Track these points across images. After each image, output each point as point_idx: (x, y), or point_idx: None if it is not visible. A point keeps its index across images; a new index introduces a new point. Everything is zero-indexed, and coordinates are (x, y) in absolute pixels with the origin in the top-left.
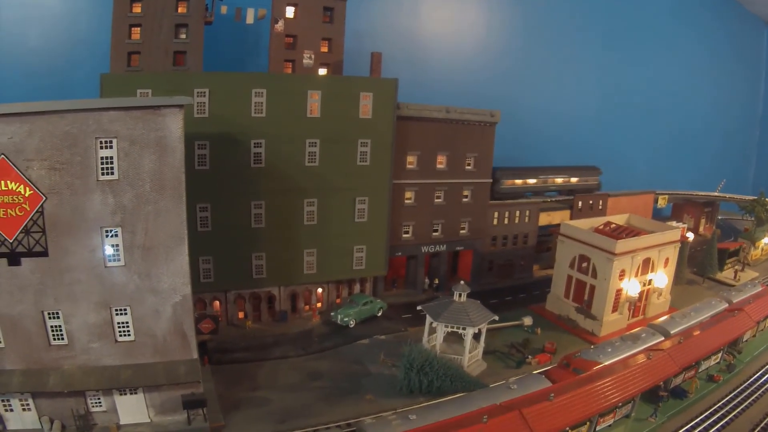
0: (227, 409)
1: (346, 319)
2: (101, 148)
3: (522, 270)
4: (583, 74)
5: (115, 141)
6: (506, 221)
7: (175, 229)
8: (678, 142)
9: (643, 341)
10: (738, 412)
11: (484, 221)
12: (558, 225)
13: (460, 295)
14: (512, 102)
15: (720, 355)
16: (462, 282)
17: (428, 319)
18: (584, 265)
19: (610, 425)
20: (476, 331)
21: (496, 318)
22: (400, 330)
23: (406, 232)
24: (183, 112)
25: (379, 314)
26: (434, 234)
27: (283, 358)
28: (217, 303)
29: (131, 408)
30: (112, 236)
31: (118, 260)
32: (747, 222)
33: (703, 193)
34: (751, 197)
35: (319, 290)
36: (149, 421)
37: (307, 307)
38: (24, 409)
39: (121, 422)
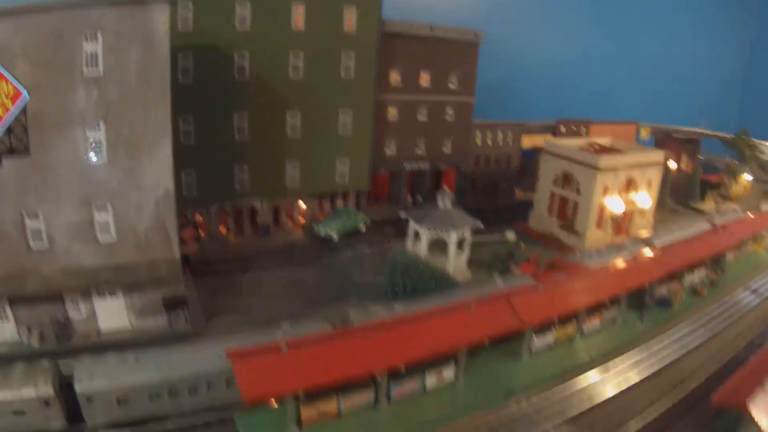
0: (209, 315)
1: (329, 231)
2: (86, 41)
3: (505, 192)
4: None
5: (101, 36)
6: (489, 142)
7: (160, 122)
8: (663, 83)
9: (628, 250)
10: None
11: (467, 141)
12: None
13: (444, 201)
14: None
15: (703, 270)
16: (446, 188)
17: (411, 225)
18: (568, 181)
19: (597, 329)
20: (460, 237)
21: (480, 224)
22: (383, 242)
23: (389, 148)
24: (169, 9)
25: (363, 228)
26: (417, 151)
27: (265, 269)
28: (199, 216)
29: (111, 313)
30: (95, 132)
31: (102, 156)
32: (729, 161)
33: (685, 128)
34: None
35: (302, 205)
36: (129, 326)
37: (289, 221)
38: (1, 319)
39: (101, 328)
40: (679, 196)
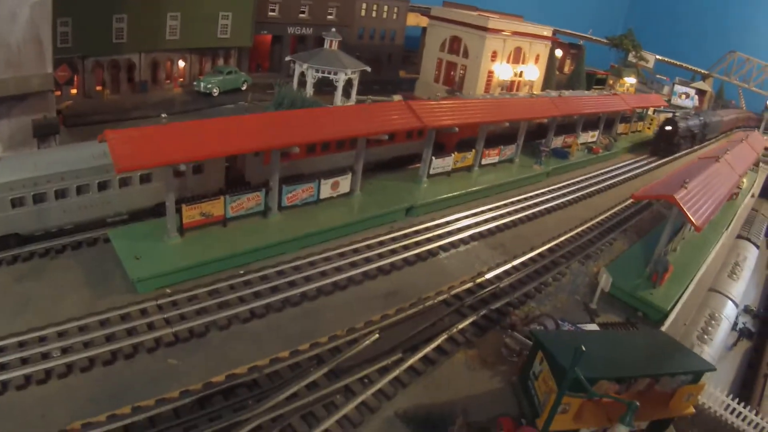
0: None
1: (209, 86)
2: None
3: (388, 67)
4: None
5: None
6: (374, 14)
7: None
8: None
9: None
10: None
11: (351, 10)
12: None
13: (331, 43)
14: None
15: (597, 133)
16: (333, 29)
17: (297, 68)
18: (455, 46)
19: (494, 163)
20: (348, 78)
21: (368, 68)
22: (265, 100)
23: (273, 10)
24: None
25: (244, 87)
26: (301, 15)
27: (143, 118)
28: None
29: None
30: None
31: None
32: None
33: (569, 31)
34: None
35: (181, 63)
36: None
37: (168, 80)
38: None
39: None
40: (565, 87)
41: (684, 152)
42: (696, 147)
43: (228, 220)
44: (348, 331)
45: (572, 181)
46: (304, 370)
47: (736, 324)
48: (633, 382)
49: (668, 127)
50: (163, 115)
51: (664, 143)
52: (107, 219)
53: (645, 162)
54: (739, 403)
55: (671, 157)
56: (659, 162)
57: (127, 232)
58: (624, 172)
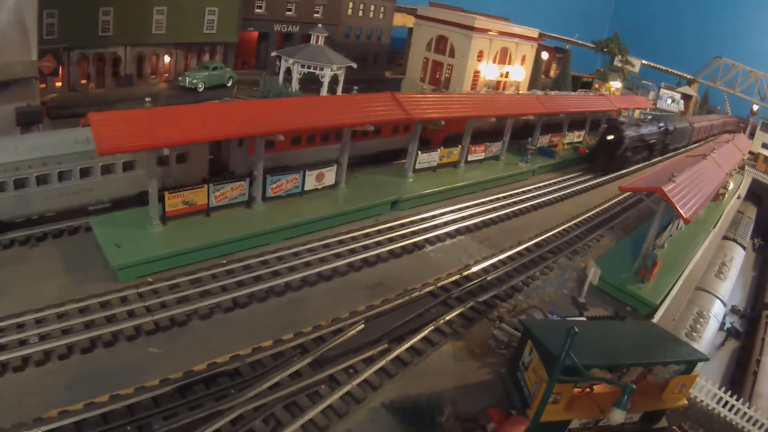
0: None
1: (194, 81)
2: None
3: (374, 67)
4: None
5: None
6: (361, 13)
7: None
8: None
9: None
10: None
11: (338, 9)
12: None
13: (317, 38)
14: None
15: (583, 133)
16: (320, 25)
17: (283, 63)
18: (442, 46)
19: (480, 159)
20: (334, 74)
21: (354, 65)
22: (250, 96)
23: (260, 7)
24: None
25: (229, 83)
26: (288, 13)
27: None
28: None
29: None
30: None
31: None
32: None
33: (555, 35)
34: None
35: (167, 58)
36: None
37: (153, 75)
38: None
39: None
40: (551, 88)
41: (638, 166)
42: (657, 160)
43: (211, 210)
44: (333, 321)
45: (558, 179)
46: (287, 359)
47: (723, 323)
48: (625, 371)
49: (610, 136)
50: (147, 99)
51: (605, 157)
52: (89, 207)
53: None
54: (729, 394)
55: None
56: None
57: (109, 219)
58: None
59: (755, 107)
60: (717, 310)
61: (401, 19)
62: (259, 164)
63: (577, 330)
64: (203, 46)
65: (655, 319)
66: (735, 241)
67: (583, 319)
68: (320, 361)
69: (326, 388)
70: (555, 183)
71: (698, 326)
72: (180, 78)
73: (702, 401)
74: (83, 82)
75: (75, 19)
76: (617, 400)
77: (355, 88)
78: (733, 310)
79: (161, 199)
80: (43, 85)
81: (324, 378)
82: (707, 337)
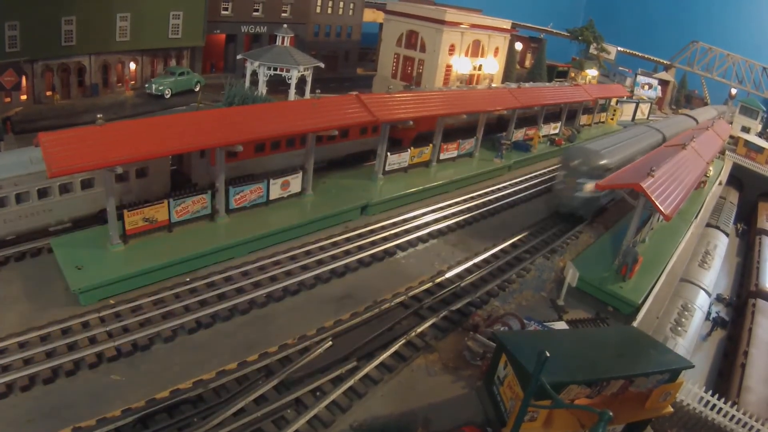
0: None
1: (161, 88)
2: None
3: (345, 64)
4: None
5: None
6: (330, 11)
7: None
8: None
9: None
10: None
11: (306, 7)
12: None
13: (283, 39)
14: None
15: (560, 125)
16: (285, 26)
17: (249, 66)
18: (412, 41)
19: (453, 157)
20: (301, 75)
21: (321, 64)
22: (218, 100)
23: (226, 9)
24: None
25: (196, 88)
26: (255, 13)
27: (94, 123)
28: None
29: None
30: None
31: None
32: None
33: (529, 25)
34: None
35: (132, 65)
36: None
37: (119, 83)
38: None
39: None
40: (526, 80)
41: None
42: None
43: (173, 225)
44: (299, 339)
45: (535, 173)
46: (252, 382)
47: (709, 314)
48: (605, 384)
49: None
50: (98, 116)
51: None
52: (49, 227)
53: None
54: (716, 397)
55: None
56: None
57: (70, 240)
58: None
59: (733, 91)
60: (702, 302)
61: (371, 15)
62: (220, 176)
63: (548, 355)
64: (169, 51)
65: (638, 317)
66: (718, 228)
67: (562, 323)
68: (286, 384)
69: (292, 412)
70: (531, 178)
71: (683, 320)
72: (146, 85)
73: (689, 405)
74: (48, 93)
75: (37, 30)
76: (593, 427)
77: (318, 90)
78: (719, 299)
79: (121, 217)
80: (8, 100)
81: (290, 402)
82: (693, 330)
